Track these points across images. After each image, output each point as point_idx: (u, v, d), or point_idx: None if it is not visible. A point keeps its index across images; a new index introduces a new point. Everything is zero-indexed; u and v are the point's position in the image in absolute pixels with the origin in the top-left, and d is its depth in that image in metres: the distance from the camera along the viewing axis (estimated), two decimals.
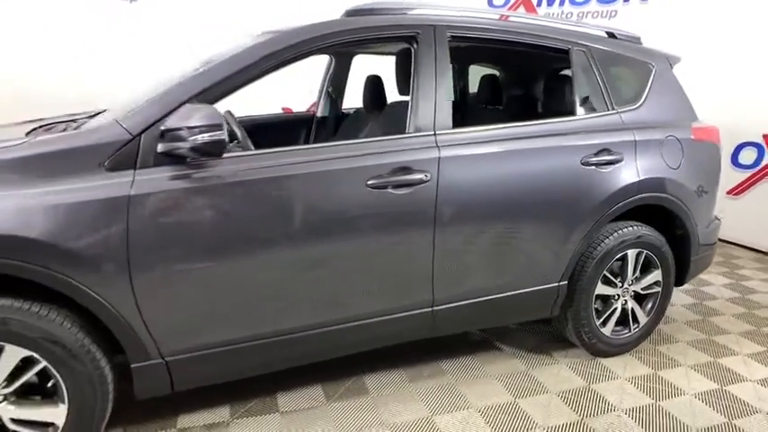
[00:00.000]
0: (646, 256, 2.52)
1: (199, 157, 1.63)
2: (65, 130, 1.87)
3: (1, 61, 4.37)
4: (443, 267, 2.07)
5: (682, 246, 2.64)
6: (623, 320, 2.59)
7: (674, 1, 4.62)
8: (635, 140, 2.39)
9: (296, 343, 1.91)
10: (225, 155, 1.69)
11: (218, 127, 1.57)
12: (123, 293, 1.60)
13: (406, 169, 1.93)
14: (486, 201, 2.09)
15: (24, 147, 1.58)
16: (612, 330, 2.57)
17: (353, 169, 1.86)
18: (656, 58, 2.65)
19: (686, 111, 2.66)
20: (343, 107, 3.41)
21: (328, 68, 3.33)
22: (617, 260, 2.46)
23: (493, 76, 3.17)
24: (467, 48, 2.40)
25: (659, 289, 2.62)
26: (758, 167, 4.38)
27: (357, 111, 3.10)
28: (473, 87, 3.45)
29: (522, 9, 5.27)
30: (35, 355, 1.54)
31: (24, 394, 1.60)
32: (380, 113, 2.71)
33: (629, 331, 2.60)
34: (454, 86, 3.43)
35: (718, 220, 2.86)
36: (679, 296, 3.39)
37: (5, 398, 1.56)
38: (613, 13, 4.95)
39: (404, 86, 2.26)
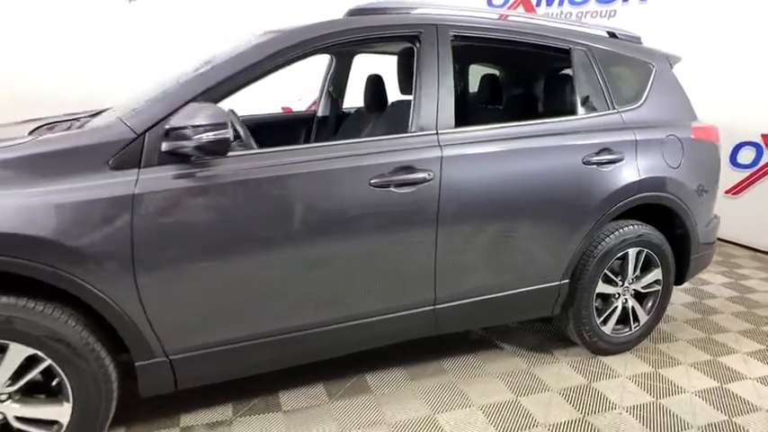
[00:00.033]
0: (646, 255, 2.53)
1: (203, 156, 1.64)
2: (68, 128, 1.87)
3: (1, 61, 4.36)
4: (446, 266, 2.08)
5: (682, 244, 2.66)
6: (624, 319, 2.60)
7: (673, 1, 4.64)
8: (635, 140, 2.40)
9: (299, 341, 1.92)
10: (229, 154, 1.69)
11: (222, 126, 1.57)
12: (127, 291, 1.61)
13: (408, 168, 1.93)
14: (489, 200, 2.10)
15: (29, 145, 1.58)
16: (613, 329, 2.58)
17: (356, 168, 1.86)
18: (657, 58, 2.66)
19: (686, 110, 2.67)
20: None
21: (329, 68, 3.34)
22: (617, 259, 2.47)
23: (493, 75, 3.17)
24: (468, 47, 2.41)
25: (659, 288, 2.63)
26: (757, 167, 4.40)
27: (358, 110, 3.10)
28: (473, 87, 3.46)
29: (521, 9, 5.28)
30: (40, 353, 1.54)
31: (29, 392, 1.60)
32: (382, 113, 2.72)
33: (630, 330, 2.61)
34: (455, 86, 3.43)
35: (718, 218, 2.88)
36: (678, 295, 3.40)
37: (10, 396, 1.56)
38: (612, 13, 4.97)
39: (406, 86, 2.26)
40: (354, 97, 3.37)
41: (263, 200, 1.75)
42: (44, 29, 4.43)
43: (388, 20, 2.08)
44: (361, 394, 2.26)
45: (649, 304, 2.64)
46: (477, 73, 3.33)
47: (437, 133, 2.02)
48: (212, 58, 1.96)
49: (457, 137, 2.05)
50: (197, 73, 1.81)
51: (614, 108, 2.44)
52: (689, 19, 4.48)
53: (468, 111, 3.15)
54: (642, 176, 2.38)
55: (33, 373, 1.56)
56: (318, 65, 3.24)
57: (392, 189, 1.90)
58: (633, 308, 2.59)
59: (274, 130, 3.22)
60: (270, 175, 1.75)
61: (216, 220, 1.69)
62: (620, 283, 2.53)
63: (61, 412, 1.62)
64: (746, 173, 4.46)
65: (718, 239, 2.98)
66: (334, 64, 3.30)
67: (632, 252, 2.48)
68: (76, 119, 2.17)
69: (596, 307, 2.50)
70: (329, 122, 3.37)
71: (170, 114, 1.64)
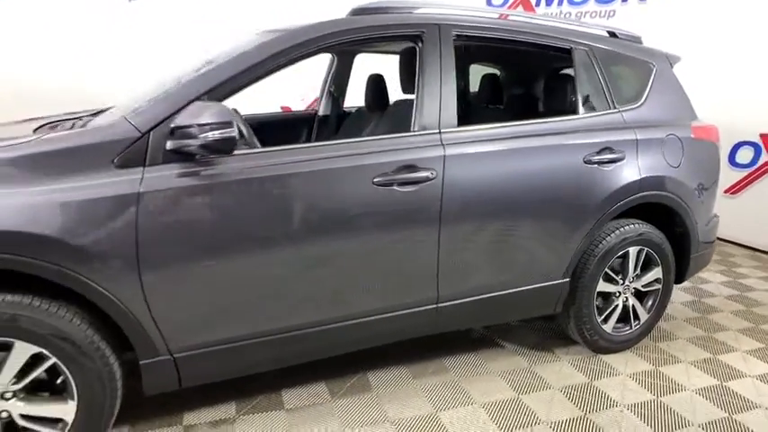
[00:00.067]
0: (646, 254, 2.55)
1: (208, 155, 1.64)
2: (72, 127, 1.87)
3: (1, 60, 4.36)
4: (448, 264, 2.08)
5: (682, 243, 2.67)
6: (624, 317, 2.61)
7: (672, 1, 4.65)
8: (636, 139, 2.41)
9: (303, 340, 1.92)
10: (233, 152, 1.69)
11: (228, 124, 1.58)
12: (132, 290, 1.61)
13: (411, 167, 1.94)
14: (491, 198, 2.11)
15: (34, 144, 1.58)
16: (614, 327, 2.59)
17: (360, 167, 1.87)
18: (657, 58, 2.67)
19: (686, 110, 2.69)
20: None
21: (330, 67, 3.34)
22: (618, 257, 2.48)
23: (494, 75, 3.18)
24: (469, 47, 2.42)
25: (660, 286, 2.65)
26: (755, 166, 4.42)
27: (359, 109, 3.11)
28: (473, 87, 3.47)
29: (520, 9, 5.29)
30: (45, 351, 1.55)
31: (33, 390, 1.60)
32: (384, 112, 2.73)
33: (630, 328, 2.63)
34: (456, 85, 3.44)
35: (717, 217, 2.89)
36: (678, 294, 3.42)
37: (15, 394, 1.56)
38: (611, 13, 4.98)
39: (408, 85, 2.27)
40: (353, 97, 3.40)
41: (268, 198, 1.76)
42: (44, 29, 4.43)
43: (392, 19, 2.09)
44: (364, 392, 2.27)
45: (650, 303, 2.66)
46: (476, 73, 3.33)
47: (440, 132, 2.03)
48: (214, 58, 1.96)
49: (459, 136, 2.06)
50: (201, 72, 1.81)
51: (615, 107, 2.45)
52: (688, 19, 4.50)
53: (469, 110, 3.16)
54: (643, 175, 2.39)
55: (38, 371, 1.57)
56: (317, 64, 3.25)
57: (395, 188, 1.91)
58: (633, 306, 2.61)
59: (275, 130, 3.22)
60: (274, 174, 1.75)
61: (221, 219, 1.69)
62: (621, 281, 2.54)
63: (66, 410, 1.62)
64: (745, 172, 4.48)
65: (717, 239, 2.99)
66: (335, 63, 3.31)
67: (633, 251, 2.50)
68: (79, 118, 2.17)
69: (597, 305, 2.51)
70: (330, 122, 3.37)
71: (174, 113, 1.64)
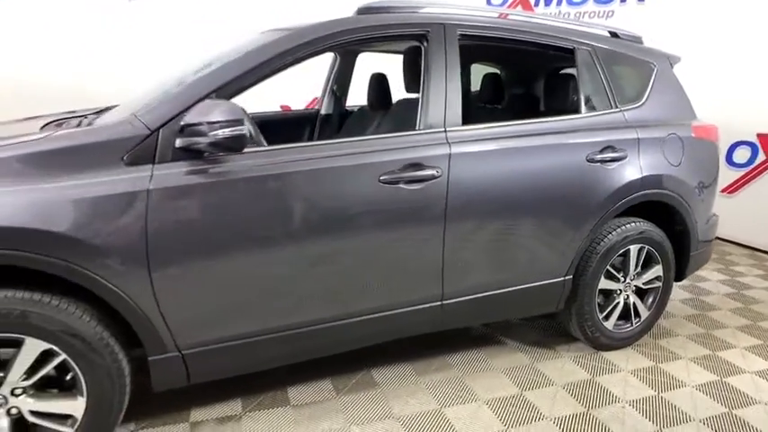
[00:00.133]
0: (647, 252, 2.58)
1: (217, 153, 1.65)
2: (78, 125, 1.88)
3: (1, 59, 4.35)
4: (453, 262, 2.10)
5: (682, 241, 2.70)
6: (625, 315, 2.64)
7: (670, 1, 4.69)
8: (638, 138, 2.44)
9: (310, 336, 1.94)
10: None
11: (239, 122, 1.59)
12: (142, 286, 1.62)
13: (417, 165, 1.96)
14: (495, 196, 2.13)
15: (44, 141, 1.58)
16: (615, 324, 2.62)
17: (367, 165, 1.89)
18: (658, 58, 2.70)
19: (686, 109, 2.72)
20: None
21: (333, 66, 3.35)
22: (619, 255, 2.51)
23: (495, 74, 3.20)
24: (473, 46, 2.43)
25: (660, 284, 2.68)
26: (752, 166, 4.46)
27: (361, 108, 3.12)
28: (473, 87, 3.49)
29: (519, 9, 5.32)
30: (55, 347, 1.55)
31: (43, 387, 1.61)
32: (387, 111, 2.74)
33: (631, 325, 2.66)
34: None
35: (716, 216, 2.93)
36: (677, 292, 3.45)
37: (25, 390, 1.57)
38: (610, 14, 5.02)
39: (412, 84, 2.29)
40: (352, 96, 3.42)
41: (276, 196, 1.77)
42: (44, 28, 4.42)
43: (398, 18, 2.10)
44: (369, 389, 2.28)
45: (650, 300, 2.69)
46: (477, 72, 3.35)
47: (445, 131, 2.05)
48: (220, 57, 1.97)
49: (465, 134, 2.08)
50: (208, 70, 1.82)
51: (617, 107, 2.48)
52: (686, 19, 4.54)
53: (471, 109, 3.18)
54: (644, 174, 2.42)
55: (48, 368, 1.57)
56: (317, 64, 3.26)
57: (401, 186, 1.93)
58: (634, 304, 2.63)
59: (276, 128, 3.23)
60: (283, 172, 1.77)
61: (230, 216, 1.70)
62: (622, 279, 2.57)
63: (75, 406, 1.63)
64: (742, 172, 4.53)
65: (715, 237, 3.02)
66: (338, 62, 3.32)
67: (634, 249, 2.52)
68: (84, 116, 2.17)
69: (598, 303, 2.54)
70: (332, 120, 3.38)
71: (184, 111, 1.65)
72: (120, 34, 4.62)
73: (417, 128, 2.05)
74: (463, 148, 2.05)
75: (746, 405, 2.26)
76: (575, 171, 2.28)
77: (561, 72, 2.86)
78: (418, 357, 2.54)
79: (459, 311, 2.23)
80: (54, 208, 1.50)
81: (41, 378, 1.58)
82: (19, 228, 1.46)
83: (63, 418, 1.64)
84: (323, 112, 3.40)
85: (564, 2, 5.28)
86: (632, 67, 2.63)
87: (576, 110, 2.43)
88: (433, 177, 1.97)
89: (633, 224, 2.49)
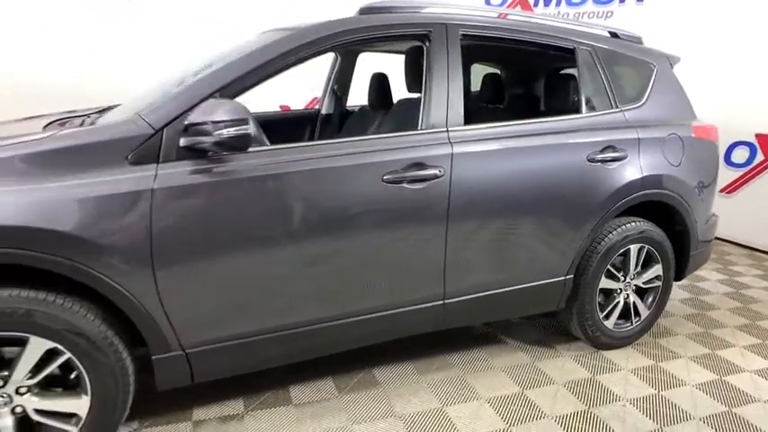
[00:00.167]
0: (647, 251, 2.59)
1: (221, 152, 1.66)
2: (81, 124, 1.88)
3: (1, 58, 4.34)
4: (455, 261, 2.11)
5: (681, 241, 2.72)
6: (625, 314, 2.65)
7: (669, 2, 4.71)
8: (638, 138, 2.45)
9: (314, 335, 1.94)
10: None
11: (244, 122, 1.59)
12: (146, 285, 1.63)
13: (420, 165, 1.97)
14: (497, 196, 2.14)
15: (49, 141, 1.58)
16: (615, 323, 2.63)
17: (371, 164, 1.90)
18: (658, 58, 2.72)
19: (686, 110, 2.74)
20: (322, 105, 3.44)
21: (333, 66, 3.36)
22: (619, 255, 2.52)
23: (496, 74, 3.21)
24: (474, 46, 2.44)
25: (660, 283, 2.69)
26: (750, 166, 4.49)
27: (362, 108, 3.13)
28: (473, 87, 3.50)
29: (519, 9, 5.33)
30: (59, 346, 1.56)
31: (47, 386, 1.61)
32: (388, 111, 2.75)
33: (631, 324, 2.67)
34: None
35: (716, 216, 2.94)
36: (676, 291, 3.46)
37: (29, 389, 1.57)
38: (609, 14, 5.04)
39: (414, 84, 2.30)
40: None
41: (280, 195, 1.78)
42: (44, 28, 4.41)
43: (400, 18, 2.11)
44: (370, 388, 2.29)
45: (650, 299, 2.70)
46: (477, 72, 3.36)
47: (447, 131, 2.06)
48: (222, 56, 1.98)
49: (467, 134, 2.09)
50: (211, 70, 1.83)
51: (617, 107, 2.49)
52: (685, 20, 4.56)
53: (471, 110, 3.20)
54: (644, 174, 2.44)
55: (53, 367, 1.58)
56: (316, 64, 3.27)
57: (405, 185, 1.93)
58: (634, 303, 2.65)
59: (276, 128, 3.23)
60: (288, 171, 1.77)
61: (234, 215, 1.71)
62: (623, 278, 2.58)
63: (80, 405, 1.63)
64: (740, 172, 4.55)
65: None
66: (338, 62, 3.33)
67: (634, 248, 2.54)
68: (87, 115, 2.18)
69: (599, 302, 2.55)
70: (333, 120, 3.39)
71: (188, 110, 1.66)
72: (120, 34, 4.61)
73: (420, 127, 2.06)
74: (465, 147, 2.06)
75: (746, 403, 2.27)
76: (576, 171, 2.29)
77: (562, 72, 2.88)
78: (419, 356, 2.55)
79: (461, 310, 2.23)
80: (59, 207, 1.51)
81: (46, 377, 1.58)
82: (23, 227, 1.46)
83: (67, 416, 1.64)
84: (323, 111, 3.41)
85: (563, 2, 5.30)
86: (632, 67, 2.65)
87: (577, 110, 2.44)
88: (436, 177, 1.98)
89: (633, 224, 2.51)
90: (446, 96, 2.08)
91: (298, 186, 1.80)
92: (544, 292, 2.40)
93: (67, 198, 1.52)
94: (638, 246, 2.54)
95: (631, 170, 2.41)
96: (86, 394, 1.63)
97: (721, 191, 4.56)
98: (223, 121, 1.58)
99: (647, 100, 2.59)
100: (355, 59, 3.34)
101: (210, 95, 1.71)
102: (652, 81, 2.63)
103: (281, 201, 1.78)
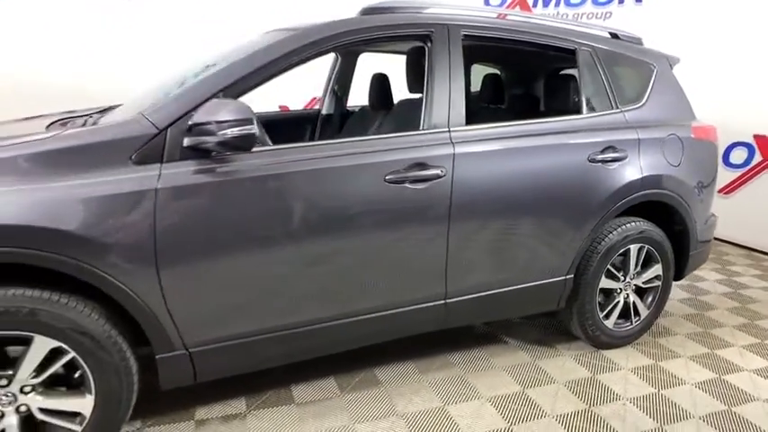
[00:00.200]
0: (647, 251, 2.60)
1: (225, 152, 1.66)
2: (84, 124, 1.89)
3: (1, 58, 4.34)
4: (456, 261, 2.12)
5: (681, 241, 2.73)
6: (625, 313, 2.67)
7: (668, 3, 4.73)
8: (638, 138, 2.47)
9: (316, 334, 1.95)
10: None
11: (248, 121, 1.60)
12: (149, 284, 1.63)
13: (422, 165, 1.97)
14: (499, 196, 2.15)
15: (53, 140, 1.59)
16: (615, 323, 2.64)
17: (374, 164, 1.90)
18: (657, 59, 2.73)
19: (686, 110, 2.75)
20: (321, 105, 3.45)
21: (334, 66, 3.37)
22: (619, 255, 2.53)
23: (496, 75, 3.23)
24: (475, 47, 2.45)
25: (659, 283, 2.70)
26: (748, 167, 4.51)
27: (362, 108, 3.14)
28: (473, 87, 3.51)
29: (518, 9, 5.35)
30: (64, 345, 1.56)
31: (51, 385, 1.62)
32: (389, 111, 2.76)
33: (631, 324, 2.68)
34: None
35: (715, 216, 2.96)
36: (675, 291, 3.48)
37: (34, 388, 1.58)
38: (608, 15, 5.06)
39: (415, 84, 2.30)
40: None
41: (286, 195, 1.78)
42: (44, 28, 4.41)
43: (402, 19, 2.12)
44: (372, 387, 2.30)
45: (649, 299, 2.71)
46: (477, 73, 3.37)
47: (449, 131, 2.07)
48: (224, 57, 1.99)
49: (468, 134, 2.10)
50: (215, 70, 1.83)
51: (618, 107, 2.50)
52: (684, 21, 4.58)
53: (472, 110, 3.21)
54: (644, 174, 2.45)
55: (57, 366, 1.58)
56: (315, 64, 3.28)
57: (407, 185, 1.94)
58: (634, 302, 2.66)
59: (277, 128, 3.23)
60: (292, 171, 1.78)
61: (238, 215, 1.71)
62: (623, 278, 2.59)
63: (84, 404, 1.64)
64: (738, 172, 4.57)
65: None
66: (339, 62, 3.33)
67: (634, 248, 2.55)
68: (89, 115, 2.18)
69: (599, 302, 2.56)
70: (333, 121, 3.40)
71: (191, 110, 1.66)
72: (120, 34, 4.62)
73: (421, 128, 2.07)
74: (467, 147, 2.07)
75: (745, 402, 2.29)
76: (577, 171, 2.30)
77: (562, 73, 2.89)
78: (421, 356, 2.56)
79: (463, 310, 2.24)
80: (63, 207, 1.51)
81: (50, 376, 1.59)
82: (27, 226, 1.47)
83: (72, 415, 1.64)
84: (324, 112, 3.41)
85: (562, 3, 5.32)
86: (632, 67, 2.66)
87: (578, 110, 2.46)
88: (438, 177, 1.99)
89: (633, 224, 2.52)
90: (448, 97, 2.09)
91: (301, 186, 1.81)
92: (545, 292, 2.41)
93: (72, 197, 1.52)
94: (638, 246, 2.56)
95: (631, 170, 2.42)
96: (90, 393, 1.63)
97: (719, 191, 4.57)
98: (227, 121, 1.58)
99: (646, 101, 2.60)
100: (356, 60, 3.34)
101: (214, 95, 1.71)
102: (652, 82, 2.65)
103: (285, 201, 1.79)
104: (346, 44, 2.02)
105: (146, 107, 1.74)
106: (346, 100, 3.44)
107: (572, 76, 2.59)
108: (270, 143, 2.06)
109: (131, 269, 1.60)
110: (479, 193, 2.10)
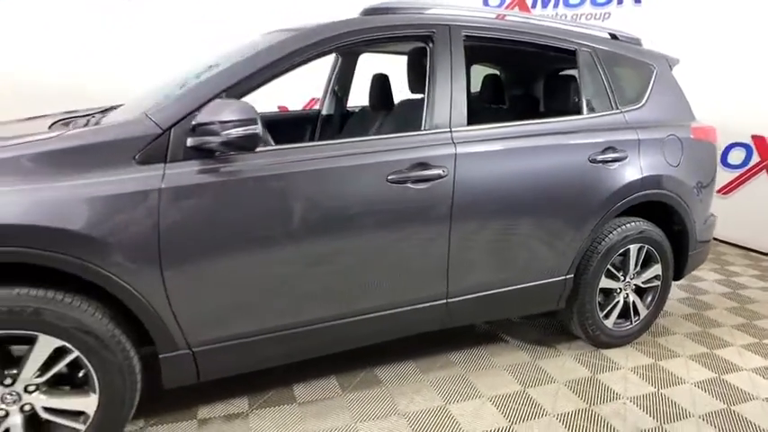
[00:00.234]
0: (647, 251, 2.62)
1: (229, 152, 1.67)
2: (86, 124, 1.89)
3: (1, 58, 4.34)
4: (458, 260, 2.13)
5: (680, 241, 2.74)
6: (625, 313, 2.68)
7: (667, 3, 4.75)
8: (638, 139, 2.48)
9: (319, 334, 1.96)
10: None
11: (252, 121, 1.61)
12: (153, 284, 1.64)
13: (424, 165, 1.98)
14: (500, 196, 2.16)
15: (57, 140, 1.59)
16: (614, 323, 2.66)
17: (376, 164, 1.91)
18: (657, 60, 2.75)
19: (685, 111, 2.77)
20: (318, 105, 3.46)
21: (334, 67, 3.37)
22: (619, 255, 2.54)
23: (496, 75, 3.24)
24: (476, 47, 2.46)
25: (659, 283, 2.72)
26: (747, 167, 4.53)
27: (363, 109, 3.15)
28: (473, 88, 3.52)
29: (516, 10, 5.36)
30: (68, 344, 1.56)
31: (55, 384, 1.62)
32: (389, 111, 2.77)
33: (631, 323, 2.70)
34: None
35: (714, 216, 2.97)
36: (674, 291, 3.49)
37: (38, 387, 1.58)
38: (607, 15, 5.07)
39: (417, 85, 2.31)
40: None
41: (290, 195, 1.79)
42: (44, 28, 4.42)
43: (404, 20, 2.13)
44: (373, 386, 2.31)
45: (649, 299, 2.73)
46: (477, 73, 3.38)
47: (450, 131, 2.08)
48: (226, 57, 1.99)
49: (470, 135, 2.11)
50: (218, 70, 1.84)
51: (618, 108, 2.52)
52: (682, 21, 4.60)
53: (473, 110, 3.22)
54: (644, 174, 2.46)
55: (61, 365, 1.59)
56: (314, 65, 3.28)
57: (409, 185, 1.95)
58: (634, 302, 2.67)
59: (277, 129, 3.23)
60: (295, 171, 1.79)
61: (241, 215, 1.72)
62: (622, 278, 2.60)
63: (88, 403, 1.64)
64: (737, 173, 4.59)
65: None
66: (339, 63, 3.34)
67: (633, 248, 2.56)
68: (91, 115, 2.18)
69: (599, 301, 2.57)
70: (334, 121, 3.41)
71: (195, 110, 1.67)
72: (120, 34, 4.62)
73: (423, 128, 2.08)
74: (468, 148, 2.08)
75: (744, 401, 2.30)
76: (577, 171, 2.31)
77: (562, 73, 2.90)
78: (422, 355, 2.57)
79: (464, 309, 2.25)
80: (67, 206, 1.52)
81: (54, 375, 1.59)
82: (31, 225, 1.47)
83: (75, 414, 1.65)
84: (324, 112, 3.42)
85: (561, 3, 5.33)
86: (632, 68, 2.68)
87: (578, 111, 2.47)
88: (440, 177, 2.00)
89: (633, 224, 2.53)
90: (449, 97, 2.10)
91: (305, 186, 1.82)
92: (545, 292, 2.42)
93: (76, 197, 1.52)
94: (638, 246, 2.57)
95: (631, 171, 2.43)
96: (94, 392, 1.64)
97: (718, 192, 4.59)
98: (231, 121, 1.59)
99: (646, 101, 2.62)
100: (356, 60, 3.35)
101: (217, 96, 1.72)
102: (652, 82, 2.66)
103: (289, 201, 1.80)
104: (348, 45, 2.03)
105: (148, 107, 1.75)
106: (346, 100, 3.44)
107: (572, 77, 2.60)
108: (272, 143, 2.07)
109: (135, 269, 1.61)
110: (481, 192, 2.11)
